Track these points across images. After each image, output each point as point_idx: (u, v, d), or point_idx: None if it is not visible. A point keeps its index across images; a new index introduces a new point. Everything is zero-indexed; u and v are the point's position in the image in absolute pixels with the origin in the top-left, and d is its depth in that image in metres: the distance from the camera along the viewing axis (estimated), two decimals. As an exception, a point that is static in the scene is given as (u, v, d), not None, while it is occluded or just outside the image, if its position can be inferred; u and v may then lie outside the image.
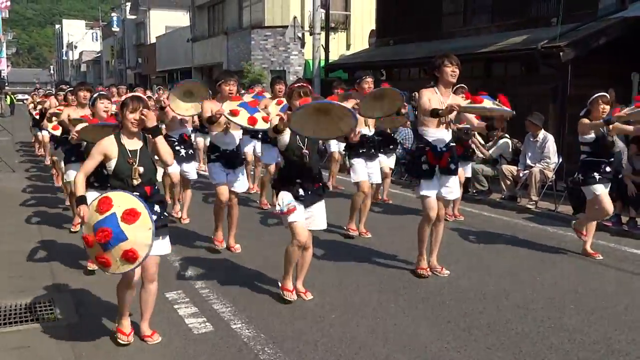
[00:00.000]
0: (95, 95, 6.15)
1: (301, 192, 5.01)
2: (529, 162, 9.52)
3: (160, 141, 4.30)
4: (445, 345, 4.43)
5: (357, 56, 20.12)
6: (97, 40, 69.30)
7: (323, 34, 19.22)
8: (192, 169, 8.28)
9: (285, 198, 4.98)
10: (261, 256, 6.58)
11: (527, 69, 12.89)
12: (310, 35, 19.90)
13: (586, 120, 6.41)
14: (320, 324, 4.79)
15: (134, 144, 4.30)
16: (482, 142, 10.33)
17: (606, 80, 10.38)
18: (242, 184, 6.79)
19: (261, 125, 6.41)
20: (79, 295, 5.43)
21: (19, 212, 9.03)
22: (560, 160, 9.55)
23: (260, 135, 9.30)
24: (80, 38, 75.11)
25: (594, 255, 6.64)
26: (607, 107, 6.32)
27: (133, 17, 49.31)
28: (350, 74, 18.84)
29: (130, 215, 3.85)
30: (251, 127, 6.47)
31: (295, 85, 5.13)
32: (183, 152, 7.99)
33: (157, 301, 4.57)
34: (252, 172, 10.77)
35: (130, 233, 3.82)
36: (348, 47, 24.70)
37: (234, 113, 6.29)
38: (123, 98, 4.33)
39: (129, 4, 49.85)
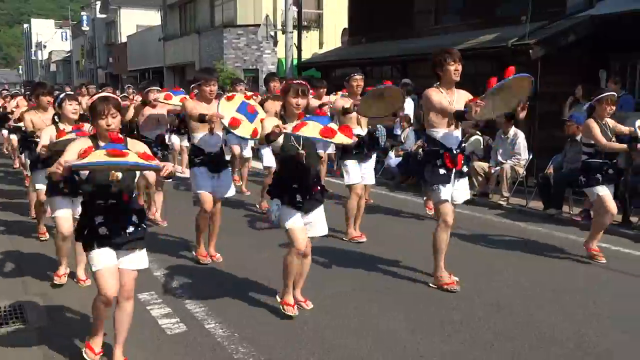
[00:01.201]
0: (62, 95, 5.76)
1: (298, 198, 4.67)
2: (500, 158, 9.64)
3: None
4: (419, 340, 4.47)
5: (329, 55, 20.15)
6: (66, 39, 68.18)
7: (295, 32, 19.19)
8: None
9: (275, 207, 4.73)
10: (233, 256, 6.50)
11: (496, 67, 13.01)
12: (283, 33, 19.87)
13: (595, 126, 6.19)
14: (293, 323, 4.78)
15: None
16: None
17: (575, 78, 10.56)
18: (229, 188, 6.41)
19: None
20: (49, 300, 5.33)
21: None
22: (531, 156, 9.69)
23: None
24: (50, 37, 73.84)
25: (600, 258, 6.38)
26: (613, 108, 6.22)
27: (103, 16, 48.68)
28: (323, 72, 18.85)
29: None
30: (253, 138, 6.19)
31: (294, 82, 4.83)
32: (160, 153, 7.66)
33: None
34: (238, 171, 10.62)
35: None
36: (321, 45, 24.71)
37: (234, 124, 5.68)
38: (90, 100, 3.94)
39: (98, 2, 49.15)
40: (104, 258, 3.78)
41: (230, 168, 6.72)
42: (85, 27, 51.90)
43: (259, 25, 21.59)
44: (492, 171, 9.72)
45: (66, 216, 5.50)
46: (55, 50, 71.13)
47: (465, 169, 5.53)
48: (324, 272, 6.02)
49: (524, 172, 9.66)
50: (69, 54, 65.56)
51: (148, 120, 7.86)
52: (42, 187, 6.62)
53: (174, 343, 4.43)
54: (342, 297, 5.38)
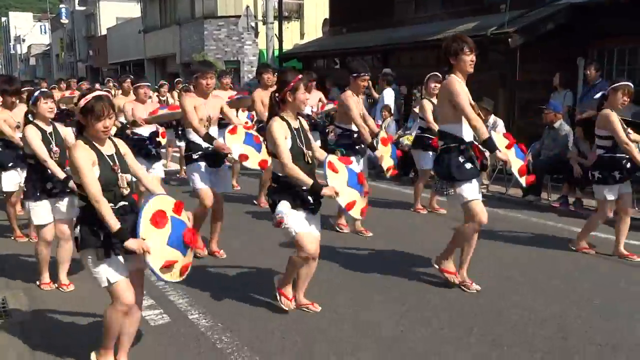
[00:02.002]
0: (36, 93, 5.31)
1: (310, 199, 4.48)
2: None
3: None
4: (401, 328, 4.52)
5: (311, 45, 20.11)
6: (45, 32, 67.31)
7: (276, 23, 19.15)
8: (159, 166, 7.62)
9: (283, 209, 4.44)
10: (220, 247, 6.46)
11: (477, 55, 13.09)
12: (264, 24, 19.84)
13: (615, 120, 5.69)
14: (276, 312, 4.79)
15: (108, 148, 3.64)
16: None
17: (553, 65, 10.64)
18: (227, 183, 6.33)
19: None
20: (31, 293, 5.32)
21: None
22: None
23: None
24: (28, 31, 72.88)
25: (630, 256, 6.03)
26: (627, 100, 5.76)
27: (82, 8, 48.09)
28: (304, 63, 18.83)
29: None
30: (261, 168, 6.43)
31: (299, 77, 4.45)
32: (154, 151, 7.41)
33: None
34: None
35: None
36: (302, 36, 24.64)
37: (243, 158, 6.14)
38: (84, 101, 3.50)
39: (77, -5, 48.63)
40: (119, 268, 3.56)
41: (227, 163, 6.51)
42: (64, 20, 51.32)
43: (239, 17, 21.54)
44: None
45: (50, 223, 5.27)
46: (34, 43, 70.18)
47: (485, 162, 5.11)
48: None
49: (504, 160, 9.73)
50: (48, 48, 64.73)
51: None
52: (10, 189, 6.71)
53: (158, 334, 4.44)
54: (327, 287, 5.40)
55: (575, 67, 11.25)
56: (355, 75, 6.60)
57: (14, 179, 6.62)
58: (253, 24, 20.85)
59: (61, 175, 5.08)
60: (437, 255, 5.39)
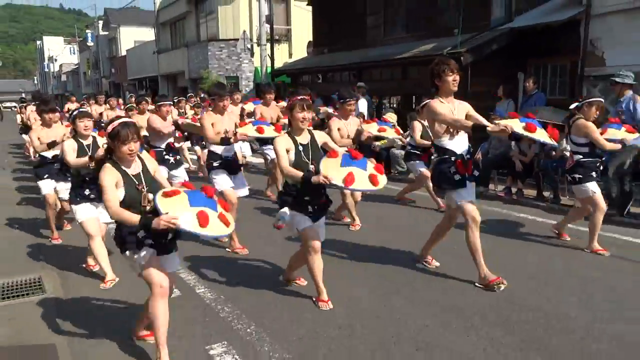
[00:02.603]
0: (75, 113, 5.22)
1: (310, 209, 4.23)
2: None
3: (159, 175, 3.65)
4: (384, 303, 4.51)
5: (298, 63, 20.04)
6: (74, 53, 66.52)
7: (269, 45, 19.03)
8: (181, 172, 7.02)
9: (285, 215, 4.25)
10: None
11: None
12: (258, 46, 19.72)
13: (595, 129, 5.51)
14: (272, 287, 4.76)
15: (134, 168, 3.42)
16: (402, 131, 10.47)
17: (498, 79, 10.69)
18: (244, 188, 6.02)
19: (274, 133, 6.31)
20: (65, 273, 5.27)
21: (8, 204, 8.67)
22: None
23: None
24: (60, 52, 72.03)
25: (603, 252, 5.63)
26: (597, 114, 5.61)
27: (105, 33, 47.59)
28: (292, 78, 18.78)
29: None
30: (276, 134, 6.18)
31: (298, 98, 4.23)
32: (172, 159, 6.94)
33: (128, 269, 4.45)
34: None
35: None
36: (290, 55, 24.53)
37: (260, 131, 6.40)
38: (111, 127, 3.30)
39: (101, 22, 48.07)
40: (153, 260, 3.38)
41: (242, 171, 6.20)
42: (90, 43, 50.79)
43: (237, 40, 21.42)
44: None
45: (93, 218, 5.01)
46: (65, 63, 69.39)
47: (476, 173, 4.83)
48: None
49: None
50: (76, 66, 63.92)
51: (158, 134, 6.98)
52: (48, 192, 6.37)
53: (170, 305, 4.32)
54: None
55: (516, 80, 11.33)
56: (342, 101, 6.32)
57: (50, 185, 6.39)
58: (249, 46, 20.74)
59: (84, 160, 4.92)
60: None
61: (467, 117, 4.63)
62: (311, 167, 4.12)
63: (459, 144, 4.72)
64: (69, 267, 5.43)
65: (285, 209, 4.24)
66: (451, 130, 4.65)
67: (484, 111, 10.03)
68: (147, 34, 39.54)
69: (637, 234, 6.34)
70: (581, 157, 5.66)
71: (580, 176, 5.62)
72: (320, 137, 4.38)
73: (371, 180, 4.04)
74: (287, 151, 4.14)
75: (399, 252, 5.67)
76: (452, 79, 4.59)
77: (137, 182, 3.34)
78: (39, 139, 6.12)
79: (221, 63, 24.41)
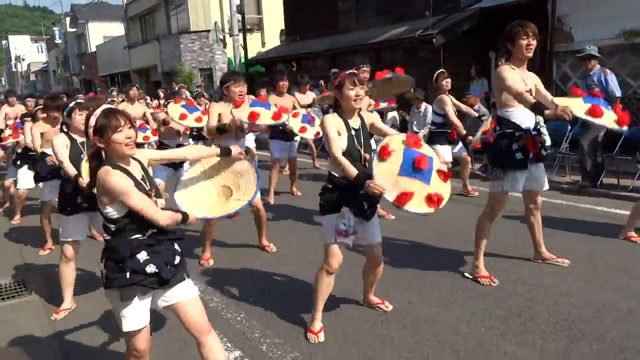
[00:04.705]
0: (71, 104, 4.27)
1: (365, 205, 3.42)
2: (415, 129, 9.81)
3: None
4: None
5: (271, 52, 19.97)
6: (42, 52, 65.22)
7: (241, 35, 18.90)
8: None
9: (350, 217, 3.37)
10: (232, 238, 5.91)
11: (408, 54, 13.20)
12: (230, 36, 19.55)
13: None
14: (256, 278, 4.79)
15: (134, 168, 2.66)
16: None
17: (470, 59, 10.83)
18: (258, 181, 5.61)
19: (284, 118, 5.59)
20: (48, 272, 5.23)
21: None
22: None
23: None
24: (27, 51, 70.51)
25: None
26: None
27: (73, 29, 46.69)
28: (266, 67, 18.70)
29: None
30: (275, 122, 5.48)
31: (346, 73, 3.45)
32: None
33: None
34: None
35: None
36: (263, 44, 24.41)
37: (253, 116, 5.15)
38: (94, 118, 2.56)
39: (68, 18, 47.10)
40: (142, 315, 2.60)
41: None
42: (58, 41, 49.84)
43: (209, 31, 21.21)
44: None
45: (74, 241, 4.25)
46: (33, 62, 67.97)
47: (543, 152, 4.30)
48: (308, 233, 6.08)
49: (435, 138, 9.90)
50: (45, 65, 62.68)
51: (170, 130, 6.87)
52: (47, 199, 5.72)
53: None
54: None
55: (488, 60, 11.46)
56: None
57: (52, 190, 5.39)
58: (221, 37, 20.56)
59: (73, 172, 4.14)
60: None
61: (536, 91, 4.14)
62: (367, 155, 3.41)
63: (527, 116, 4.13)
64: (53, 268, 5.40)
65: (347, 213, 3.37)
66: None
67: (458, 91, 10.26)
68: (117, 28, 38.91)
69: (611, 203, 6.54)
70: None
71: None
72: (369, 118, 3.62)
73: (431, 200, 3.23)
74: (339, 134, 3.39)
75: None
76: (526, 44, 4.00)
77: (145, 185, 2.62)
78: (42, 134, 5.59)
79: (194, 55, 24.22)
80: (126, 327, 2.57)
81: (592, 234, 5.44)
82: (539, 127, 4.31)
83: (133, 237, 2.55)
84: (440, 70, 7.13)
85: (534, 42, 4.00)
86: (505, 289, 4.20)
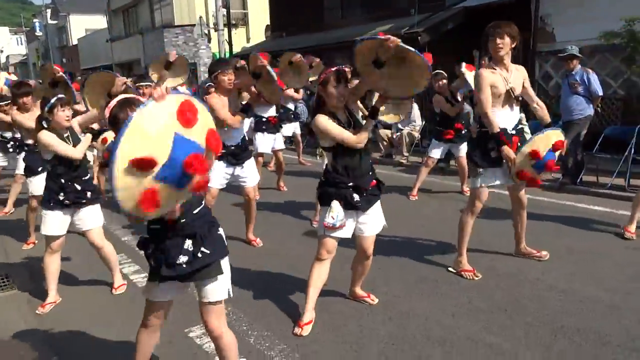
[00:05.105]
0: (53, 100, 4.03)
1: (356, 197, 3.45)
2: (399, 126, 9.90)
3: None
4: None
5: (256, 48, 19.88)
6: (22, 44, 64.10)
7: (226, 30, 18.81)
8: None
9: (338, 210, 3.42)
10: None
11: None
12: (215, 31, 19.46)
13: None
14: (254, 270, 4.79)
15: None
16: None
17: (454, 57, 10.89)
18: (254, 177, 5.35)
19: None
20: (32, 266, 5.18)
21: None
22: (424, 122, 10.04)
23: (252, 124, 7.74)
24: (6, 43, 69.23)
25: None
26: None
27: (54, 22, 45.97)
28: (251, 62, 18.64)
29: None
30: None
31: (331, 70, 3.48)
32: None
33: (100, 263, 4.46)
34: None
35: None
36: (248, 40, 24.32)
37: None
38: (108, 110, 2.44)
39: (49, 10, 46.35)
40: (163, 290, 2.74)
41: (254, 159, 5.55)
42: (38, 33, 48.95)
43: (194, 25, 21.08)
44: (394, 136, 9.99)
45: (59, 236, 4.20)
46: (12, 54, 66.76)
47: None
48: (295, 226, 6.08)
49: (419, 136, 10.01)
50: (25, 57, 61.62)
51: None
52: (37, 193, 5.49)
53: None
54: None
55: (472, 58, 11.55)
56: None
57: (42, 184, 4.91)
58: (206, 31, 20.44)
59: (79, 155, 4.10)
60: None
61: (523, 89, 4.27)
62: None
63: (506, 117, 4.21)
64: (36, 262, 5.34)
65: (336, 206, 3.43)
66: (507, 102, 4.18)
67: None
68: (99, 21, 38.38)
69: (590, 200, 6.66)
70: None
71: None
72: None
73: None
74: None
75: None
76: (496, 44, 4.07)
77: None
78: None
79: (178, 50, 23.86)
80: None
81: (573, 230, 5.55)
82: (520, 126, 4.39)
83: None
84: (437, 71, 7.15)
85: (502, 42, 4.05)
86: (489, 283, 4.27)
